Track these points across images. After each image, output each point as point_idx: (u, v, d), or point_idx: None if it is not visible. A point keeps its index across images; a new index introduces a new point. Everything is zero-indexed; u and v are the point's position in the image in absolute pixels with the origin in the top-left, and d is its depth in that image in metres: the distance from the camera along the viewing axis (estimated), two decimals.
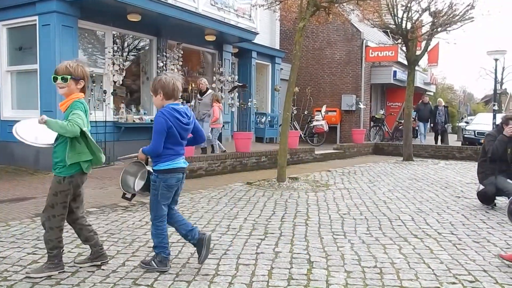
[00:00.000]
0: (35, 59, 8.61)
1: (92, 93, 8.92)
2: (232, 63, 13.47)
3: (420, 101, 17.16)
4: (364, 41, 17.15)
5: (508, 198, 5.89)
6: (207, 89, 10.26)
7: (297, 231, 4.72)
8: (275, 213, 5.56)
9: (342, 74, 17.64)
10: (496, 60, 17.29)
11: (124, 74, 9.71)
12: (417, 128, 17.44)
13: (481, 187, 6.01)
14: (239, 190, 7.21)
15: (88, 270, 3.48)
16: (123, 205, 5.88)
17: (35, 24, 8.51)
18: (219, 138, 10.82)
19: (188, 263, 3.69)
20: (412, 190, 7.33)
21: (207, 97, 10.00)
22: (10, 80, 9.18)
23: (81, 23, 8.87)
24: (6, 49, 9.17)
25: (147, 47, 10.88)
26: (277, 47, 16.02)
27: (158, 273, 3.42)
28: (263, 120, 14.56)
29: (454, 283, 3.27)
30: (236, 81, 12.96)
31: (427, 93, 19.54)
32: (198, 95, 10.28)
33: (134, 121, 9.96)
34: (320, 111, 16.05)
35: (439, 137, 16.80)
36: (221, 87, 12.65)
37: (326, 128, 15.66)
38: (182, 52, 11.20)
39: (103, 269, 3.50)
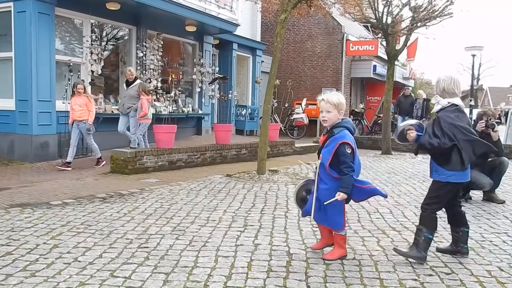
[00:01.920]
0: (10, 46, 8.37)
1: (69, 82, 8.72)
2: (212, 54, 13.36)
3: (401, 93, 16.32)
4: (345, 35, 17.25)
5: (481, 190, 6.04)
6: (136, 78, 9.08)
7: (276, 223, 4.72)
8: (255, 206, 5.56)
9: (322, 68, 17.73)
10: (473, 56, 17.63)
11: (102, 64, 9.52)
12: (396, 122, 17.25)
13: None
14: (219, 182, 7.18)
15: (64, 262, 3.41)
16: (100, 196, 5.78)
17: (10, 11, 8.26)
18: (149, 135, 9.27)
19: (166, 255, 3.65)
20: (391, 184, 7.43)
21: (133, 88, 8.82)
22: None
23: (58, 11, 8.65)
24: None
25: (126, 37, 10.69)
26: (258, 39, 15.96)
27: (136, 265, 3.38)
28: (243, 112, 14.52)
29: (430, 275, 3.32)
30: (216, 73, 12.87)
31: (405, 87, 19.72)
32: (125, 85, 9.20)
33: (112, 111, 9.79)
34: (300, 104, 16.10)
35: None
36: (202, 79, 12.54)
37: (306, 121, 15.73)
38: (162, 43, 11.04)
39: (79, 261, 3.43)
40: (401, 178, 8.02)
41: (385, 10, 11.25)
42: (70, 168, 7.92)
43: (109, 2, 9.03)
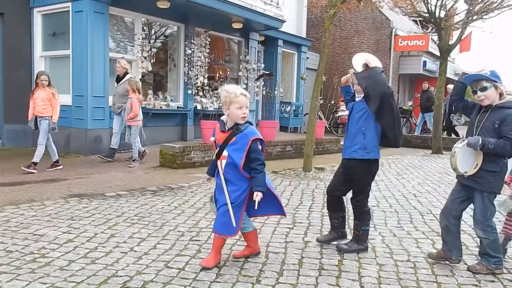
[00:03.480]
0: (68, 44, 8.74)
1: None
2: (258, 51, 13.39)
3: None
4: (393, 30, 16.79)
5: None
6: (126, 73, 8.08)
7: (325, 221, 4.67)
8: (303, 203, 5.53)
9: None
10: None
11: (152, 60, 9.77)
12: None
13: None
14: None
15: (121, 251, 3.54)
16: (151, 189, 5.95)
17: (69, 11, 8.63)
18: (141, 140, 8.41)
19: None
20: (443, 184, 7.17)
21: (122, 85, 7.97)
22: (44, 65, 9.36)
23: (112, 10, 8.94)
24: (41, 35, 9.35)
25: (175, 34, 10.90)
26: (304, 35, 15.83)
27: (189, 257, 3.45)
28: (287, 109, 14.47)
29: (493, 281, 3.18)
30: (262, 70, 12.89)
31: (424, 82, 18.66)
32: (115, 81, 8.29)
33: (161, 107, 10.04)
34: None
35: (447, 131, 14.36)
36: (247, 75, 12.61)
37: None
38: (209, 40, 11.19)
39: (135, 251, 3.55)
40: (454, 179, 7.71)
41: (438, 3, 10.84)
42: (35, 171, 6.90)
43: (159, 0, 9.23)
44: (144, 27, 9.91)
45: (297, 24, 15.41)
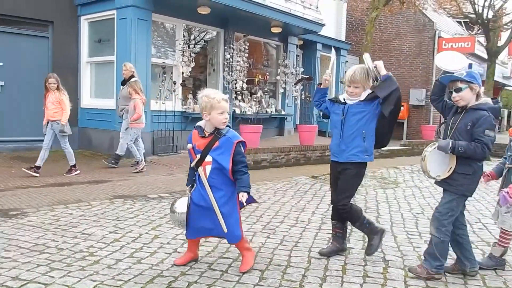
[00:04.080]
0: (112, 51, 9.03)
1: (163, 83, 9.23)
2: (296, 55, 13.36)
3: None
4: (437, 32, 16.31)
5: None
6: (132, 76, 7.79)
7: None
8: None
9: (411, 67, 16.93)
10: None
11: (192, 65, 9.94)
12: None
13: None
14: (304, 183, 7.16)
15: (165, 252, 3.60)
16: None
17: (113, 18, 8.93)
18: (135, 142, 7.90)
19: (259, 252, 3.70)
20: (492, 192, 6.88)
21: (125, 88, 7.80)
22: (89, 71, 9.72)
23: (154, 16, 9.17)
24: (87, 42, 9.71)
25: (214, 39, 11.05)
26: (343, 39, 15.66)
27: (232, 260, 3.47)
28: None
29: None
30: (301, 74, 12.85)
31: (505, 87, 18.17)
32: (121, 85, 8.09)
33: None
34: None
35: None
36: (285, 80, 12.60)
37: None
38: (248, 44, 11.27)
39: (178, 252, 3.61)
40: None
41: (486, 3, 10.45)
42: (38, 174, 6.81)
43: (200, 6, 9.40)
44: (184, 33, 10.10)
45: (336, 27, 15.27)
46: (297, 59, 13.41)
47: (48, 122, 6.97)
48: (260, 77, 11.84)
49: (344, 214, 3.58)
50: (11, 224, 4.27)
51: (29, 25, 9.22)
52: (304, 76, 12.15)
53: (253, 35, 11.57)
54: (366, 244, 3.93)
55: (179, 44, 9.78)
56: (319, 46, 14.08)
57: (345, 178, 3.53)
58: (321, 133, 14.19)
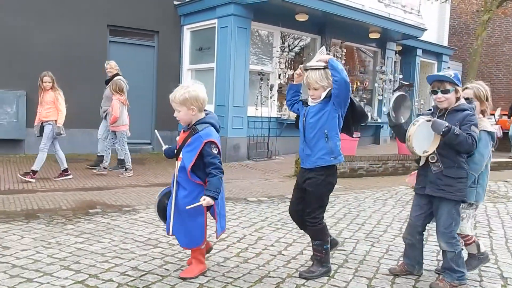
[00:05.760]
0: (212, 58, 9.45)
1: (260, 89, 9.44)
2: (394, 61, 12.89)
3: None
4: None
5: None
6: (117, 74, 7.38)
7: (480, 242, 4.25)
8: None
9: None
10: None
11: (290, 72, 10.04)
12: None
13: None
14: (405, 193, 6.84)
15: (270, 253, 3.65)
16: (289, 197, 6.04)
17: (214, 27, 9.34)
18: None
19: (365, 260, 3.60)
20: None
21: (108, 88, 7.44)
22: (190, 78, 10.26)
23: (253, 24, 9.43)
24: (189, 50, 10.28)
25: (311, 46, 11.06)
26: (445, 43, 14.81)
27: (337, 266, 3.41)
28: None
29: None
30: (400, 80, 12.37)
31: None
32: (105, 84, 7.70)
33: (295, 118, 10.21)
34: (493, 114, 14.30)
35: None
36: (383, 86, 12.21)
37: (499, 133, 13.88)
38: (345, 51, 11.11)
39: (283, 254, 3.63)
40: None
41: None
42: (33, 180, 6.41)
43: (298, 13, 9.48)
44: (281, 40, 10.25)
45: (438, 32, 14.49)
46: (395, 65, 12.94)
47: (41, 123, 6.55)
48: (358, 83, 11.61)
49: (314, 228, 3.17)
50: (125, 219, 4.62)
51: (138, 35, 10.01)
52: (404, 82, 11.64)
53: (350, 41, 11.41)
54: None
55: (277, 51, 9.94)
56: (419, 52, 13.47)
57: (314, 186, 3.15)
58: None
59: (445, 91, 3.02)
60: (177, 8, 10.15)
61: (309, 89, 3.19)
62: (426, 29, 11.85)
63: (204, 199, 2.81)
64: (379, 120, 12.24)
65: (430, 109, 3.25)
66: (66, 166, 6.79)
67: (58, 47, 8.82)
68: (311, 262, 3.30)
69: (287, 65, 10.03)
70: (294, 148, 9.75)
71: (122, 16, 9.57)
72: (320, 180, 3.14)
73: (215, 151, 2.89)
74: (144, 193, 6.05)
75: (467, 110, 3.01)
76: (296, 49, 11.19)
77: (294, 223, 4.61)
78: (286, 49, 10.54)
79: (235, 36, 8.94)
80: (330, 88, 3.09)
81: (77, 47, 9.02)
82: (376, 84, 12.14)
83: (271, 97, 9.69)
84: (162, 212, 3.14)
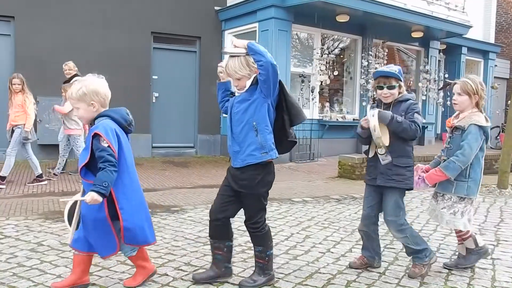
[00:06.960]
0: None
1: (301, 92, 9.46)
2: (438, 60, 12.58)
3: None
4: None
5: None
6: (76, 75, 6.91)
7: (477, 236, 4.11)
8: (504, 220, 4.97)
9: None
10: None
11: (331, 74, 10.00)
12: None
13: None
14: None
15: (319, 251, 3.67)
16: (334, 197, 6.05)
17: (255, 30, 9.47)
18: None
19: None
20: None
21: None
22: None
23: (294, 27, 9.48)
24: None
25: (351, 47, 10.99)
26: (492, 41, 14.30)
27: (388, 264, 3.38)
28: None
29: None
30: (446, 79, 12.06)
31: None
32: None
33: (337, 119, 10.18)
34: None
35: None
36: (427, 86, 11.93)
37: None
38: (386, 50, 10.96)
39: (332, 252, 3.64)
40: None
41: None
42: (3, 186, 6.13)
43: (339, 15, 9.45)
44: (321, 41, 10.24)
45: (483, 29, 14.01)
46: (439, 64, 12.62)
47: (12, 128, 6.26)
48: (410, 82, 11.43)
49: (256, 234, 2.91)
50: (174, 219, 4.76)
51: (180, 41, 10.29)
52: (450, 81, 11.36)
53: (392, 41, 11.25)
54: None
55: (317, 53, 9.94)
56: (464, 50, 13.08)
57: (250, 188, 2.81)
58: None
59: (391, 87, 3.10)
60: (218, 13, 10.36)
61: (233, 77, 2.86)
62: (471, 26, 11.49)
63: (88, 195, 2.48)
64: (423, 121, 11.95)
65: (375, 103, 3.34)
66: (41, 172, 6.57)
67: (105, 55, 9.19)
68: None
69: (328, 67, 10.01)
70: (337, 150, 9.74)
71: (165, 23, 9.88)
72: (256, 181, 2.80)
73: (104, 144, 2.56)
74: (190, 194, 6.21)
75: (410, 99, 3.13)
76: (336, 50, 11.15)
77: (340, 222, 4.66)
78: (327, 51, 10.53)
79: (276, 39, 9.02)
80: (255, 75, 2.77)
81: (123, 55, 9.38)
82: (420, 84, 11.88)
83: (312, 99, 9.69)
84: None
